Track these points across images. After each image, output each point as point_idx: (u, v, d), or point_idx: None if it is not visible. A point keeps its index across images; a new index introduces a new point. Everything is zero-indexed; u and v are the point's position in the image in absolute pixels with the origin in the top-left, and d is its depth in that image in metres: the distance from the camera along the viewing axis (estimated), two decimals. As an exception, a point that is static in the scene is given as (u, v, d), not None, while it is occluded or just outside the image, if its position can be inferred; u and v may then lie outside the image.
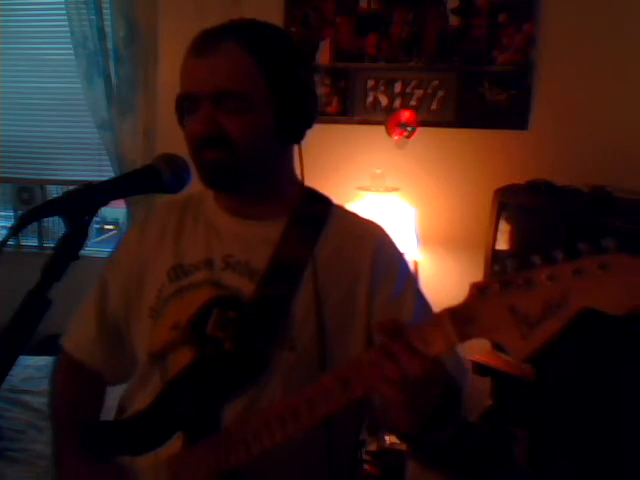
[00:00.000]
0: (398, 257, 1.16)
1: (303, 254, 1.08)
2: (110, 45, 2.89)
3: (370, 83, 2.75)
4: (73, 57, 2.93)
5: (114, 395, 1.22)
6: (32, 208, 0.86)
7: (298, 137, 1.11)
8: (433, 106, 2.71)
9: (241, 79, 1.03)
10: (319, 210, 1.15)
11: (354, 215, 1.20)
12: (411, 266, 1.19)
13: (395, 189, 2.63)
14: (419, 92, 2.71)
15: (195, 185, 1.05)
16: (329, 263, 1.09)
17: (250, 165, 1.06)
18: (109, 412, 1.21)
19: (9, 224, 3.38)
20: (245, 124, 1.03)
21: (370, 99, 2.76)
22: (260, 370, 1.03)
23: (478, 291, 0.75)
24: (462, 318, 0.75)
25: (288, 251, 1.09)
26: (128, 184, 0.96)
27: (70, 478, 1.12)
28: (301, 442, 0.89)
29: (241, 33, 1.05)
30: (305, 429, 0.87)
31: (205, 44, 1.04)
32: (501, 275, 0.74)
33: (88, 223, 0.87)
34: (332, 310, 1.07)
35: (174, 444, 1.01)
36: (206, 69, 1.04)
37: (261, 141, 1.06)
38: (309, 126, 1.11)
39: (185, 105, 1.07)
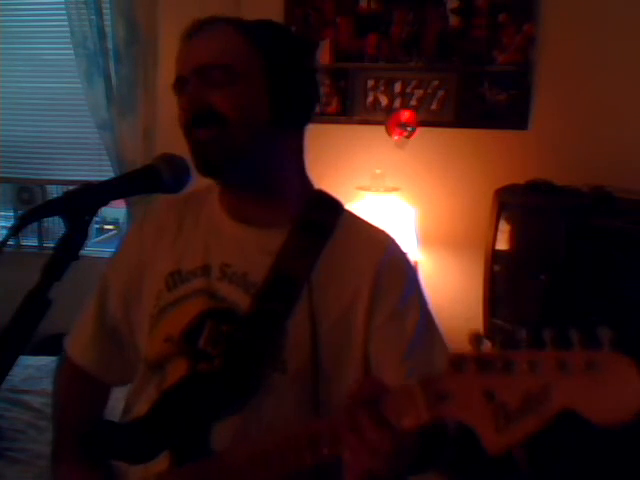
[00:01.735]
0: (404, 274, 1.07)
1: (303, 268, 1.02)
2: (110, 45, 2.88)
3: (370, 83, 2.75)
4: (73, 57, 2.93)
5: (121, 394, 1.21)
6: (32, 208, 0.85)
7: (298, 120, 1.05)
8: (433, 106, 2.70)
9: (227, 51, 0.99)
10: (326, 218, 1.08)
11: (364, 224, 1.12)
12: (419, 282, 1.10)
13: (395, 189, 2.63)
14: (419, 92, 2.71)
15: (195, 185, 1.04)
16: (329, 278, 1.03)
17: (243, 144, 1.00)
18: (117, 410, 1.20)
19: (9, 224, 3.38)
20: (233, 96, 0.98)
21: (370, 99, 2.76)
22: (250, 391, 0.98)
23: (454, 364, 0.69)
24: (435, 392, 0.70)
25: (288, 264, 1.02)
26: (128, 184, 0.95)
27: None
28: None
29: (235, 19, 1.04)
30: (284, 474, 0.84)
31: (196, 28, 1.03)
32: (480, 352, 0.67)
33: (88, 223, 0.87)
34: (328, 330, 1.01)
35: (162, 461, 0.99)
36: (192, 48, 1.02)
37: (253, 117, 1.00)
38: (309, 109, 1.06)
39: (177, 90, 1.03)
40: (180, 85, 1.03)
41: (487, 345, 0.69)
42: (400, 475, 0.80)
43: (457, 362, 0.68)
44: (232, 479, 0.90)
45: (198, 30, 1.02)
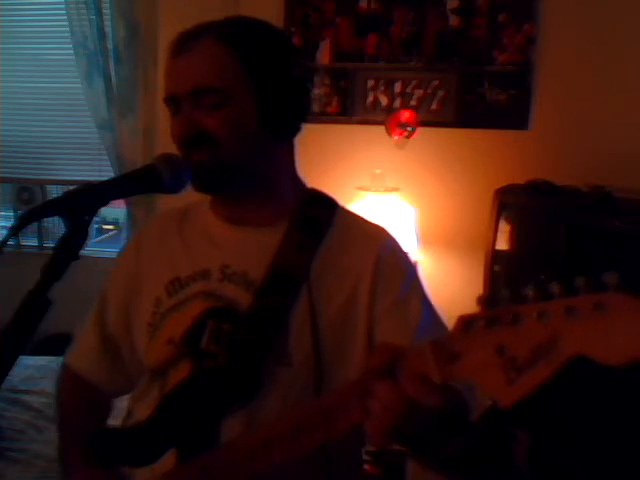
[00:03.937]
0: (403, 263, 1.10)
1: (302, 263, 1.03)
2: (110, 45, 2.89)
3: (370, 83, 2.75)
4: (73, 57, 2.93)
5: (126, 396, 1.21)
6: (32, 208, 0.85)
7: (287, 131, 1.08)
8: (433, 106, 2.71)
9: (217, 73, 1.01)
10: (322, 214, 1.10)
11: (359, 219, 1.15)
12: (419, 272, 1.12)
13: (395, 189, 2.64)
14: (419, 92, 2.71)
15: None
16: (329, 272, 1.04)
17: (236, 161, 1.03)
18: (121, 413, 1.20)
19: (9, 224, 3.38)
20: (224, 118, 1.01)
21: (370, 99, 2.76)
22: (256, 386, 0.99)
23: (463, 325, 0.69)
24: (446, 353, 0.70)
25: (287, 260, 1.04)
26: (128, 184, 0.95)
27: None
28: None
29: (219, 28, 1.04)
30: (295, 455, 0.83)
31: (183, 43, 1.03)
32: (491, 307, 0.67)
33: (88, 223, 0.87)
34: (330, 322, 1.02)
35: (168, 460, 0.99)
36: (182, 68, 1.03)
37: (244, 135, 1.03)
38: (298, 119, 1.08)
39: (170, 108, 1.05)
40: (174, 105, 1.04)
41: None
42: (421, 433, 0.80)
43: (466, 322, 0.68)
44: (243, 466, 0.89)
45: (186, 46, 1.03)
